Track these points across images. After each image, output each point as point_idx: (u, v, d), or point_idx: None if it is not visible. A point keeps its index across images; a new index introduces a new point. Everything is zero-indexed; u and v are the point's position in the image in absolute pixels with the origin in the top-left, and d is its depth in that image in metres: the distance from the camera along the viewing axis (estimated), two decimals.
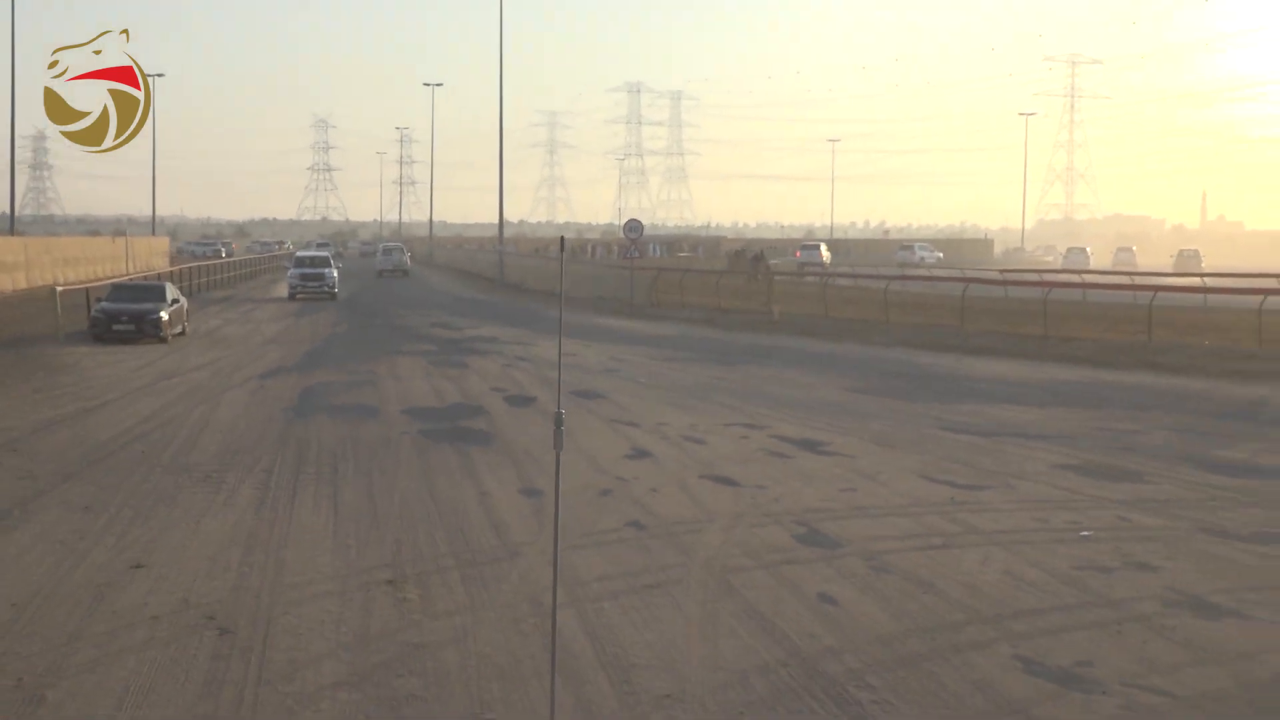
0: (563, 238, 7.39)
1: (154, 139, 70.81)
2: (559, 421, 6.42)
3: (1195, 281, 42.12)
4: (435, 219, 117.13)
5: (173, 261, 62.27)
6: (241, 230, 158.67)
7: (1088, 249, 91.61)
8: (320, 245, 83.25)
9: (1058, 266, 73.66)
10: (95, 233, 79.68)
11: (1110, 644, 7.89)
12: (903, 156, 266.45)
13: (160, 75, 68.84)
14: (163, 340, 26.79)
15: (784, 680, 7.21)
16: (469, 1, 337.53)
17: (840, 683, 7.15)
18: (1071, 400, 19.55)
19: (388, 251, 73.92)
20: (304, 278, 45.94)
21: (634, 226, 45.65)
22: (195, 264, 55.23)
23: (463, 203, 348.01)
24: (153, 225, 77.76)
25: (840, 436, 15.74)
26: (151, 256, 61.72)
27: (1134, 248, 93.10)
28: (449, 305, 44.36)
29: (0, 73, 54.44)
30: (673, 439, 15.47)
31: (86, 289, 31.56)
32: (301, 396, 19.04)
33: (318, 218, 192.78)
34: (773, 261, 62.24)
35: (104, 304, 27.57)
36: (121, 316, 26.89)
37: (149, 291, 28.80)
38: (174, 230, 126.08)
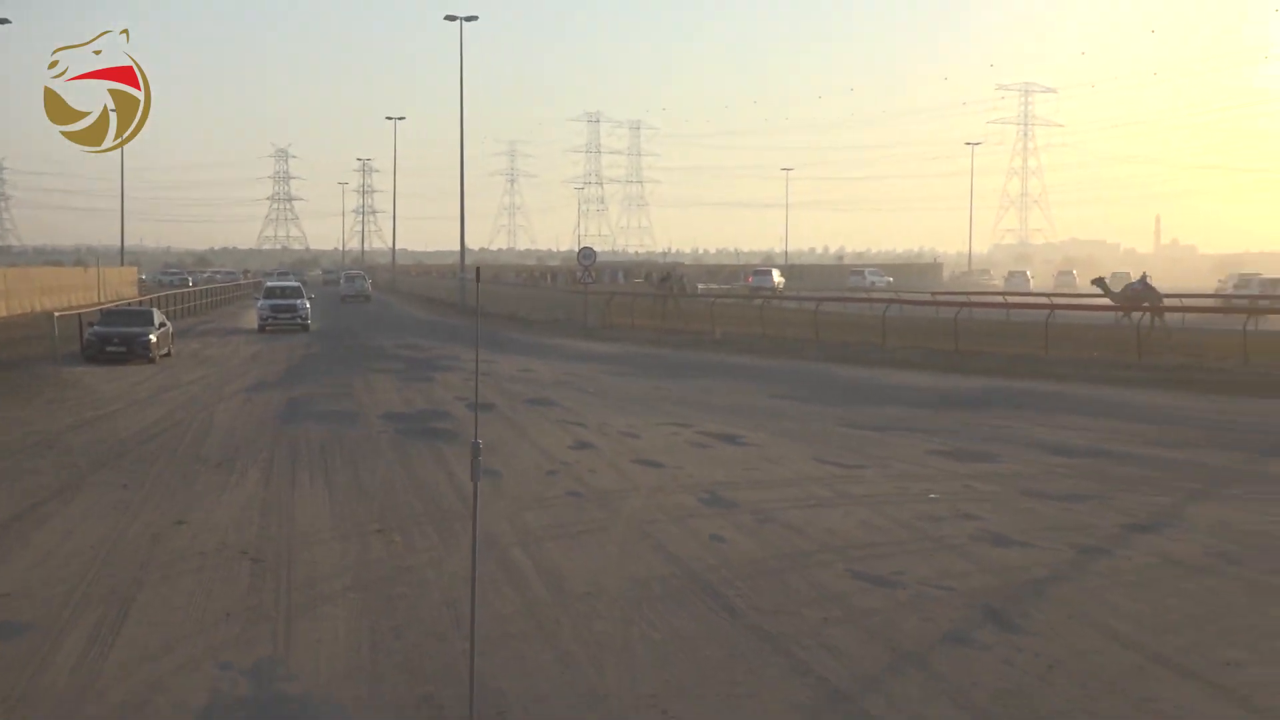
0: (478, 268, 8.98)
1: (122, 170, 72.99)
2: (476, 452, 6.72)
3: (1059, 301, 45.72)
4: (397, 247, 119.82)
5: (142, 290, 64.60)
6: (202, 259, 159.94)
7: (1028, 272, 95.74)
8: (281, 274, 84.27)
9: (999, 289, 77.19)
10: (58, 263, 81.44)
11: (920, 562, 10.61)
12: (860, 183, 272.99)
13: None
14: (151, 361, 29.17)
15: (675, 585, 9.87)
16: (429, 32, 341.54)
17: (715, 586, 9.82)
18: (962, 403, 22.40)
19: (350, 279, 79.22)
20: (275, 309, 43.73)
21: (587, 254, 49.44)
22: (168, 292, 57.54)
23: (424, 231, 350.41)
24: (121, 256, 79.77)
25: (755, 432, 18.45)
26: (122, 285, 64.18)
27: (1074, 271, 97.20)
28: (413, 328, 46.95)
29: None
30: (612, 435, 18.12)
31: (79, 314, 33.93)
32: (288, 405, 21.59)
33: (278, 247, 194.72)
34: (701, 286, 67.14)
35: (96, 328, 29.99)
36: (114, 339, 29.30)
37: (138, 316, 31.35)
38: (136, 259, 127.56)
